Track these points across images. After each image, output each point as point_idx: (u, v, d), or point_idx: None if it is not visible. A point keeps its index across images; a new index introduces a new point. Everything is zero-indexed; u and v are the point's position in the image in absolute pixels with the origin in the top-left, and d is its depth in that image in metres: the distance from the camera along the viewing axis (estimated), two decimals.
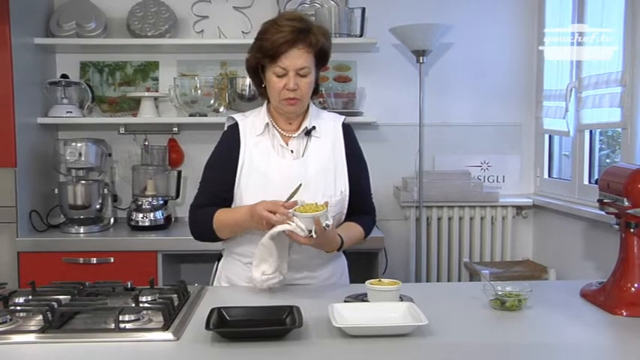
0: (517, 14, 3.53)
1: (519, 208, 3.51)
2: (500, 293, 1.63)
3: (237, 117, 1.96)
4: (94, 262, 2.91)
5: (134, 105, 3.42)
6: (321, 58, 1.86)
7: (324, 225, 1.65)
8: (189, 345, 1.40)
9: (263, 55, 1.82)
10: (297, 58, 1.79)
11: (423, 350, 1.37)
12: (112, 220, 3.26)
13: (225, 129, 1.98)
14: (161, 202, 3.24)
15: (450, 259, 3.46)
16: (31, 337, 1.42)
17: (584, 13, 2.93)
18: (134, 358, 1.35)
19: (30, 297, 1.68)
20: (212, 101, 3.34)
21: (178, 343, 1.41)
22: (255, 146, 1.89)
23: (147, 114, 3.31)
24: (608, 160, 3.01)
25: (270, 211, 1.67)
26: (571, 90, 3.02)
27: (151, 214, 3.18)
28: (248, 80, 3.23)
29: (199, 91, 3.29)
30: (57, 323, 1.47)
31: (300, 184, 1.74)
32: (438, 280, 3.46)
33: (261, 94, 1.95)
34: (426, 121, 3.31)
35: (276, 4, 3.37)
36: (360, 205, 1.95)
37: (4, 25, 2.87)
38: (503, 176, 3.58)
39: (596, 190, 1.78)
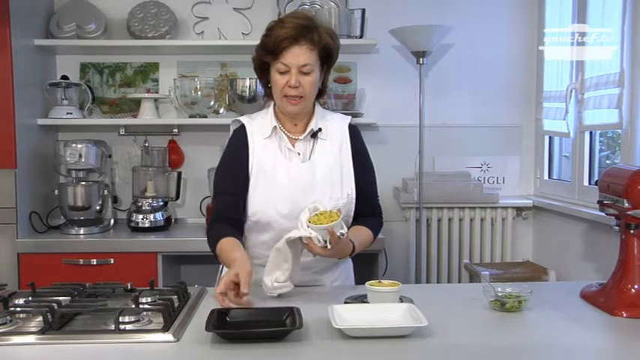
0: (517, 15, 3.53)
1: (519, 210, 3.51)
2: (500, 294, 1.63)
3: (244, 119, 1.95)
4: (94, 263, 2.91)
5: (134, 106, 3.42)
6: (326, 57, 1.85)
7: (338, 234, 1.64)
8: (190, 346, 1.40)
9: (266, 51, 1.81)
10: (300, 55, 1.78)
11: (423, 351, 1.37)
12: (112, 221, 3.26)
13: (231, 132, 1.97)
14: (161, 203, 3.24)
15: (450, 261, 3.46)
16: (31, 338, 1.41)
17: (585, 13, 2.93)
18: None
19: (30, 298, 1.68)
20: (212, 102, 3.34)
21: (178, 344, 1.41)
22: (262, 149, 1.88)
23: (147, 115, 3.31)
24: (608, 162, 3.01)
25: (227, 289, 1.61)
26: (571, 91, 3.02)
27: (151, 216, 3.18)
28: (248, 81, 3.24)
29: (199, 93, 3.29)
30: (57, 324, 1.47)
31: (315, 206, 1.71)
32: (438, 282, 3.46)
33: (267, 94, 1.94)
34: (426, 123, 3.31)
35: (276, 5, 3.37)
36: (367, 206, 1.95)
37: (5, 27, 2.87)
38: (504, 177, 3.58)
39: (596, 191, 1.78)
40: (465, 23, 3.43)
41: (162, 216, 3.21)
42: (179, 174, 3.35)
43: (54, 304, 1.55)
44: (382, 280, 1.67)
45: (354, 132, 1.97)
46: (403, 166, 3.41)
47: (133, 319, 1.49)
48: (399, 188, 3.48)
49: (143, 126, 3.39)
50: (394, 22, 3.21)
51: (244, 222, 1.90)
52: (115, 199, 3.38)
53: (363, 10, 3.30)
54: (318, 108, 1.95)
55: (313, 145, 1.91)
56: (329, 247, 1.65)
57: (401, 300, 1.63)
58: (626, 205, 1.62)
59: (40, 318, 1.49)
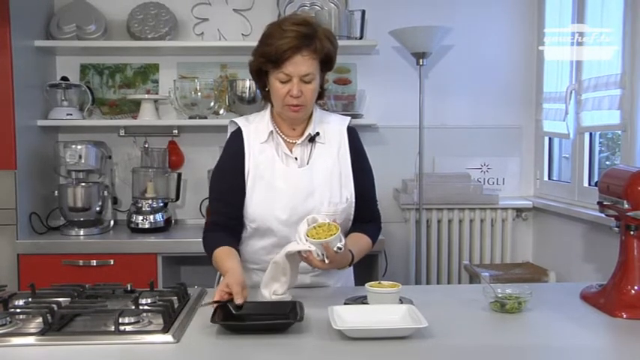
0: (517, 16, 3.54)
1: (519, 211, 3.51)
2: (500, 295, 1.63)
3: (240, 122, 1.92)
4: (94, 264, 2.91)
5: (134, 107, 3.42)
6: (326, 63, 1.83)
7: (335, 249, 1.63)
8: (189, 347, 1.40)
9: (266, 60, 1.78)
10: (302, 65, 1.75)
11: (422, 352, 1.37)
12: (111, 222, 3.26)
13: (228, 135, 1.95)
14: (161, 204, 3.24)
15: (450, 262, 3.46)
16: (31, 339, 1.41)
17: (584, 13, 2.93)
18: None
19: (30, 299, 1.68)
20: (212, 103, 3.34)
21: (178, 345, 1.41)
22: (259, 154, 1.86)
23: (147, 116, 3.31)
24: (607, 163, 3.01)
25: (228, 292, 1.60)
26: (571, 92, 3.02)
27: (151, 217, 3.17)
28: (248, 82, 3.24)
29: (199, 94, 3.29)
30: (57, 325, 1.47)
31: (314, 217, 1.70)
32: (437, 283, 3.46)
33: (264, 97, 1.91)
34: (426, 124, 3.31)
35: (276, 6, 3.37)
36: (365, 211, 1.93)
37: (5, 28, 2.87)
38: (503, 178, 3.58)
39: (596, 192, 1.78)
40: (464, 24, 3.43)
41: (162, 217, 3.21)
42: (179, 175, 3.35)
43: (54, 305, 1.55)
44: (382, 281, 1.67)
45: (353, 135, 1.94)
46: (403, 167, 3.41)
47: (132, 320, 1.49)
48: (398, 189, 3.48)
49: (143, 127, 3.39)
50: (394, 23, 3.21)
51: (241, 228, 1.90)
52: (115, 200, 3.38)
53: (363, 12, 3.30)
54: (316, 111, 1.92)
55: (311, 150, 1.89)
56: (326, 261, 1.64)
57: (401, 301, 1.63)
58: (626, 206, 1.62)
59: (40, 319, 1.49)
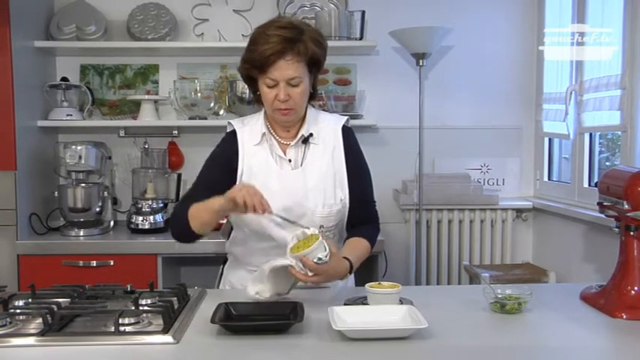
0: (517, 16, 3.54)
1: (519, 211, 3.51)
2: (500, 296, 1.63)
3: (236, 124, 1.92)
4: (94, 265, 2.91)
5: (134, 108, 3.42)
6: (314, 65, 1.81)
7: (315, 260, 1.58)
8: (189, 348, 1.40)
9: (251, 66, 1.79)
10: (286, 69, 1.74)
11: (422, 353, 1.37)
12: (111, 223, 3.26)
13: (225, 135, 1.95)
14: (161, 205, 3.24)
15: (450, 262, 3.46)
16: (31, 340, 1.41)
17: (585, 13, 2.93)
18: None
19: (30, 300, 1.68)
20: (212, 104, 3.34)
21: (178, 346, 1.41)
22: (253, 156, 1.86)
23: (147, 117, 3.31)
24: (607, 163, 3.01)
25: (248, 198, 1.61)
26: (571, 93, 3.02)
27: (151, 217, 3.17)
28: None
29: (199, 94, 3.30)
30: (57, 326, 1.47)
31: (304, 231, 1.66)
32: (437, 283, 3.46)
33: (257, 100, 1.91)
34: (426, 124, 3.31)
35: (276, 6, 3.38)
36: (362, 213, 1.91)
37: (5, 28, 2.87)
38: (503, 179, 3.58)
39: (596, 192, 1.78)
40: (464, 25, 3.44)
41: (162, 217, 3.21)
42: (179, 175, 3.35)
43: (54, 306, 1.54)
44: (382, 282, 1.67)
45: (348, 134, 1.92)
46: (403, 167, 3.41)
47: (132, 320, 1.49)
48: (398, 190, 3.48)
49: (143, 127, 3.39)
50: (394, 24, 3.21)
51: None
52: (115, 201, 3.38)
53: (363, 12, 3.30)
54: (310, 112, 1.91)
55: (305, 151, 1.88)
56: (309, 273, 1.60)
57: (401, 302, 1.62)
58: (626, 206, 1.61)
59: (40, 320, 1.48)
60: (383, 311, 1.55)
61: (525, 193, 3.60)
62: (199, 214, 1.77)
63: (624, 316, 1.58)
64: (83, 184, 3.17)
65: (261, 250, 1.87)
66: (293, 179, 1.84)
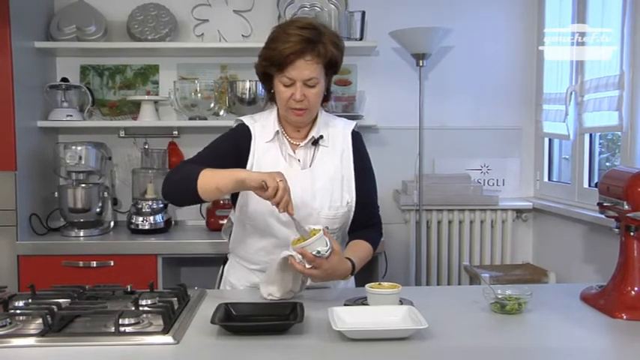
0: (516, 16, 3.54)
1: (519, 212, 3.51)
2: (500, 297, 1.63)
3: (247, 120, 1.92)
4: (94, 265, 2.91)
5: (134, 108, 3.42)
6: (331, 67, 1.83)
7: (314, 253, 1.60)
8: (189, 348, 1.40)
9: (270, 63, 1.78)
10: (305, 69, 1.75)
11: (422, 354, 1.37)
12: (111, 223, 3.26)
13: (236, 126, 1.94)
14: (161, 205, 3.23)
15: (450, 263, 3.46)
16: (31, 340, 1.41)
17: (585, 13, 2.93)
18: None
19: (30, 300, 1.68)
20: (212, 105, 3.34)
21: (178, 346, 1.41)
22: (263, 153, 1.86)
23: (147, 117, 3.31)
24: (608, 164, 3.01)
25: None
26: (571, 93, 3.02)
27: (151, 218, 3.17)
28: (248, 84, 3.24)
29: (199, 95, 3.30)
30: (57, 327, 1.47)
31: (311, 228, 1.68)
32: (438, 284, 3.46)
33: (270, 99, 1.91)
34: (426, 125, 3.32)
35: (276, 7, 3.38)
36: (366, 217, 1.92)
37: (5, 29, 2.87)
38: (503, 179, 3.58)
39: (596, 193, 1.78)
40: (464, 25, 3.44)
41: (162, 218, 3.21)
42: None
43: (54, 307, 1.54)
44: (382, 282, 1.67)
45: (357, 139, 1.94)
46: (403, 168, 3.41)
47: (132, 321, 1.49)
48: (398, 190, 3.48)
49: (143, 128, 3.39)
50: (394, 25, 3.21)
51: None
52: (115, 201, 3.38)
53: (363, 13, 3.30)
54: (321, 114, 1.92)
55: (314, 153, 1.89)
56: (307, 266, 1.62)
57: (401, 302, 1.62)
58: (626, 207, 1.61)
59: (40, 320, 1.48)
60: (383, 312, 1.55)
61: (525, 193, 3.60)
62: (216, 176, 1.71)
63: (624, 317, 1.58)
64: (83, 185, 3.17)
65: (263, 249, 1.87)
66: (302, 179, 1.84)
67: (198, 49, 3.38)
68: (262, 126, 1.90)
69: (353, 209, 1.89)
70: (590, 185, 3.00)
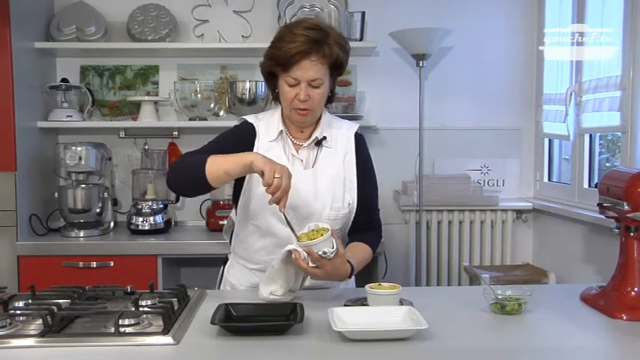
0: (516, 17, 3.54)
1: (519, 212, 3.51)
2: (500, 297, 1.63)
3: (251, 119, 1.92)
4: (94, 266, 2.91)
5: (134, 109, 3.42)
6: (336, 68, 1.82)
7: (320, 253, 1.61)
8: (189, 349, 1.40)
9: (275, 63, 1.79)
10: (309, 70, 1.75)
11: (422, 354, 1.37)
12: (111, 223, 3.26)
13: (240, 123, 1.94)
14: (161, 205, 3.24)
15: (450, 263, 3.46)
16: (31, 341, 1.41)
17: (585, 13, 2.93)
18: None
19: (30, 301, 1.68)
20: (212, 105, 3.34)
21: (178, 347, 1.41)
22: (266, 152, 1.85)
23: (147, 118, 3.32)
24: (607, 164, 3.01)
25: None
26: (571, 94, 3.02)
27: (151, 218, 3.17)
28: (248, 84, 3.24)
29: (199, 95, 3.30)
30: (57, 327, 1.47)
31: (316, 224, 1.69)
32: (437, 284, 3.46)
33: (275, 98, 1.91)
34: (426, 125, 3.32)
35: (276, 7, 3.37)
36: (367, 219, 1.93)
37: (5, 29, 2.87)
38: (503, 180, 3.58)
39: (596, 193, 1.78)
40: (464, 25, 3.44)
41: (162, 218, 3.21)
42: None
43: (54, 307, 1.54)
44: (382, 283, 1.67)
45: (360, 141, 1.95)
46: (403, 168, 3.41)
47: (132, 321, 1.49)
48: (398, 191, 3.48)
49: (143, 128, 3.39)
50: (394, 25, 3.21)
51: None
52: (115, 202, 3.38)
53: (363, 13, 3.30)
54: (325, 115, 1.92)
55: (317, 153, 1.90)
56: (311, 264, 1.62)
57: (401, 302, 1.62)
58: (626, 207, 1.62)
59: (40, 321, 1.48)
60: (383, 312, 1.55)
61: (525, 194, 3.60)
62: (225, 160, 1.71)
63: (624, 317, 1.58)
64: (83, 185, 3.17)
65: (264, 248, 1.87)
66: (304, 179, 1.84)
67: (198, 50, 3.38)
68: (266, 125, 1.90)
69: (354, 211, 1.89)
70: (590, 186, 3.00)
